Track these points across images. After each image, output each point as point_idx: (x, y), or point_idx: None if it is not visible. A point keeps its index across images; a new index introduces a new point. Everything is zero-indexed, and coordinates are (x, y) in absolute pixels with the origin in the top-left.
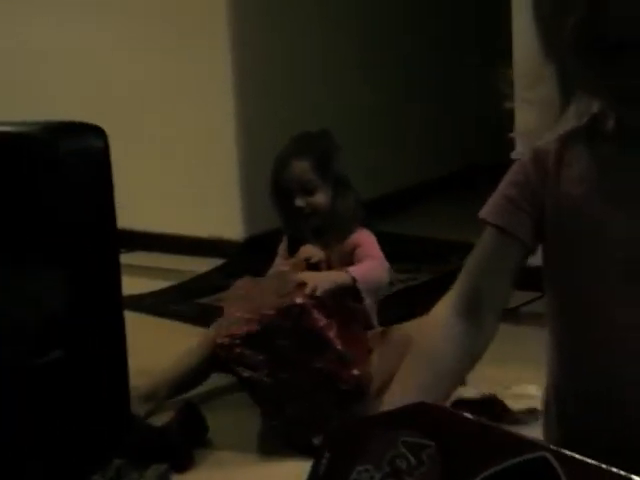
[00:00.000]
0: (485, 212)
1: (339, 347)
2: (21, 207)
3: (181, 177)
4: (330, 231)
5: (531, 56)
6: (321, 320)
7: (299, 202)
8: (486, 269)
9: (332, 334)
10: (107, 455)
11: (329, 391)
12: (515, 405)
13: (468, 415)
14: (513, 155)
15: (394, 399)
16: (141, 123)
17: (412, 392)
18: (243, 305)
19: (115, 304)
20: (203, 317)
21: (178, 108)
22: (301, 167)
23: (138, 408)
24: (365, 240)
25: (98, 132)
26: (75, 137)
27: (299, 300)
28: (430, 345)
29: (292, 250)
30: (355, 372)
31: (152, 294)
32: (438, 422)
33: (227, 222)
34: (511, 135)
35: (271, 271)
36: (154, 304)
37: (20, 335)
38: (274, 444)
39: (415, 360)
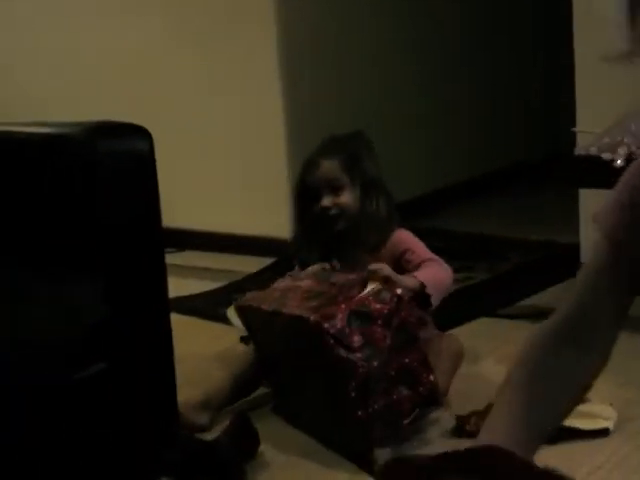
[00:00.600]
0: (601, 219)
1: (423, 349)
2: (58, 212)
3: (230, 175)
4: (358, 237)
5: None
6: (413, 316)
7: (326, 201)
8: (596, 286)
9: (420, 334)
10: (153, 473)
11: (409, 390)
12: (585, 425)
13: (533, 462)
14: (577, 151)
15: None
16: (189, 122)
17: (501, 437)
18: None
19: (161, 311)
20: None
21: (226, 106)
22: (329, 166)
23: (192, 419)
24: (412, 242)
25: (142, 133)
26: (116, 138)
27: (398, 291)
28: (530, 378)
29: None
30: (431, 377)
31: (201, 295)
32: (498, 468)
33: (276, 220)
34: (574, 130)
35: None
36: (203, 306)
37: (59, 348)
38: (331, 457)
39: (513, 396)
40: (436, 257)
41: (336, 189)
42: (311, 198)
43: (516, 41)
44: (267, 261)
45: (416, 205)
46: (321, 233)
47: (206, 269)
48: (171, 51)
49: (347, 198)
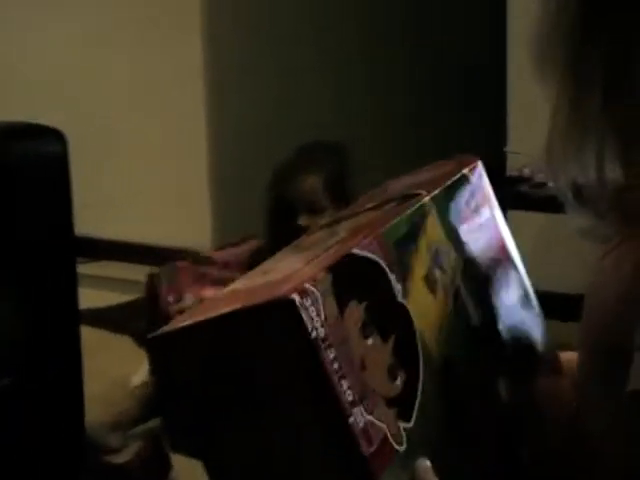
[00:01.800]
0: None
1: None
2: None
3: (150, 183)
4: None
5: None
6: None
7: (303, 220)
8: None
9: None
10: None
11: None
12: None
13: None
14: (508, 171)
15: None
16: (115, 128)
17: None
18: None
19: (71, 325)
20: None
21: (151, 113)
22: (311, 184)
23: (102, 440)
24: None
25: (57, 136)
26: (30, 140)
27: None
28: None
29: None
30: None
31: (113, 308)
32: None
33: (196, 231)
34: (506, 150)
35: None
36: (115, 319)
37: None
38: None
39: None
40: None
41: (315, 210)
42: (286, 214)
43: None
44: None
45: None
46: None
47: (122, 280)
48: (102, 56)
49: (326, 218)
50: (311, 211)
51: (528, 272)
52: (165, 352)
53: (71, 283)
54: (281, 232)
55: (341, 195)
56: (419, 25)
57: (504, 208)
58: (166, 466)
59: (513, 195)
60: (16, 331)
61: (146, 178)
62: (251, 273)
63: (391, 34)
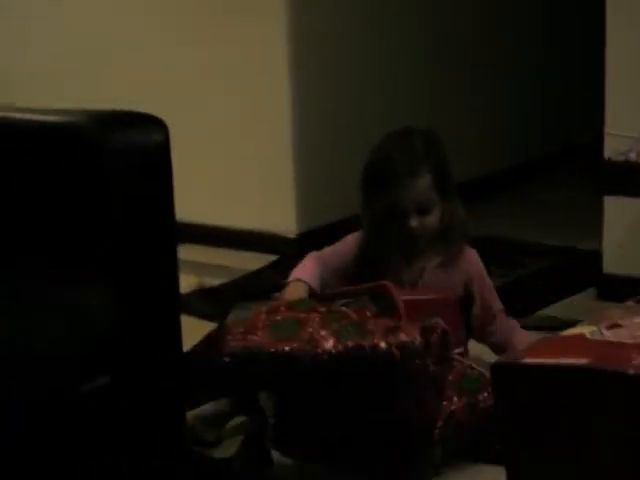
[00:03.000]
0: None
1: None
2: (63, 210)
3: (232, 166)
4: (433, 250)
5: None
6: None
7: (414, 222)
8: None
9: None
10: None
11: None
12: None
13: None
14: (613, 156)
15: None
16: (190, 108)
17: None
18: None
19: (172, 319)
20: None
21: (231, 94)
22: (421, 187)
23: (202, 435)
24: (482, 273)
25: (157, 124)
26: (130, 129)
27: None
28: None
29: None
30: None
31: (199, 293)
32: None
33: (279, 216)
34: (608, 132)
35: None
36: (201, 305)
37: (59, 359)
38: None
39: None
40: (501, 306)
41: (425, 209)
42: (397, 217)
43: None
44: (268, 258)
45: None
46: (396, 246)
47: (203, 264)
48: (170, 41)
49: (434, 218)
50: (421, 212)
51: (624, 259)
52: (510, 379)
53: (172, 279)
54: (390, 234)
55: (447, 190)
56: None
57: (600, 194)
58: (268, 463)
59: (618, 181)
60: (114, 326)
61: (227, 160)
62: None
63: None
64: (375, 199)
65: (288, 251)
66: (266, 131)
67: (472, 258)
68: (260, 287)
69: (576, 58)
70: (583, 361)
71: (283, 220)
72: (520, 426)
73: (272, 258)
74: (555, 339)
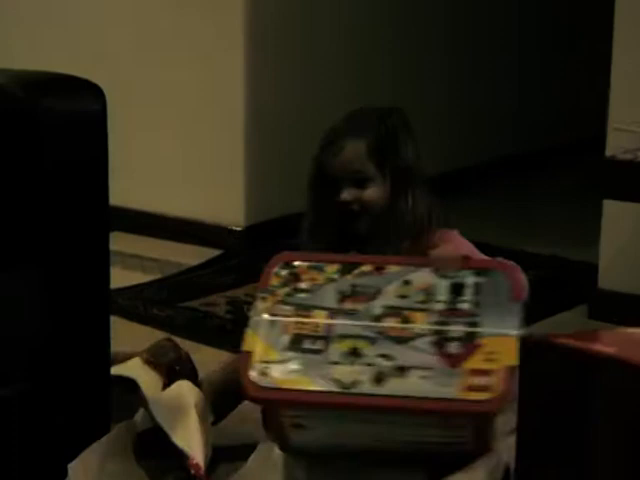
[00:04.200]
0: None
1: None
2: None
3: (178, 150)
4: (383, 242)
5: None
6: None
7: (346, 194)
8: None
9: None
10: None
11: None
12: None
13: None
14: (618, 154)
15: None
16: (131, 83)
17: None
18: None
19: (102, 319)
20: (192, 327)
21: (179, 71)
22: (353, 151)
23: None
24: (463, 245)
25: (94, 91)
26: (64, 96)
27: None
28: None
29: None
30: None
31: (129, 290)
32: None
33: (225, 206)
34: (617, 127)
35: None
36: (130, 305)
37: None
38: None
39: None
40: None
41: (360, 181)
42: (328, 185)
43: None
44: (211, 253)
45: None
46: (336, 229)
47: (136, 256)
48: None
49: (373, 193)
50: (355, 182)
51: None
52: (538, 355)
53: (103, 262)
54: (323, 208)
55: (390, 163)
56: None
57: (601, 197)
58: None
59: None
60: (37, 325)
61: (173, 143)
62: None
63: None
64: (311, 166)
65: (233, 245)
66: (217, 113)
67: (448, 237)
68: (197, 286)
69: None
70: (610, 350)
71: (230, 211)
72: (540, 405)
73: (215, 252)
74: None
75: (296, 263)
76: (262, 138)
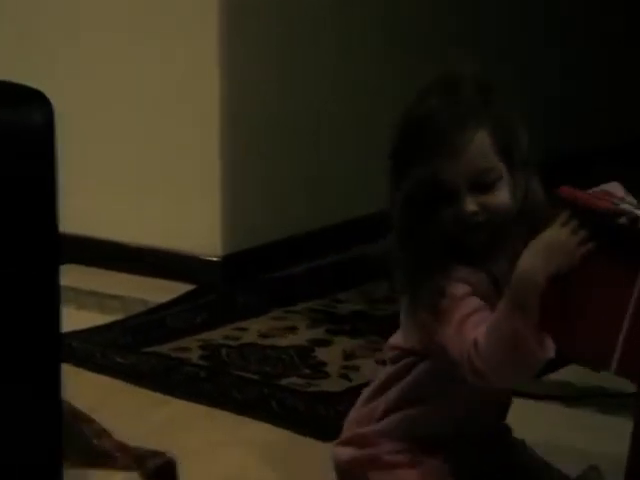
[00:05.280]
0: None
1: None
2: None
3: (143, 168)
4: (508, 247)
5: None
6: None
7: (470, 205)
8: None
9: None
10: None
11: None
12: None
13: None
14: None
15: None
16: (86, 90)
17: None
18: None
19: (52, 368)
20: (162, 376)
21: (142, 72)
22: (478, 144)
23: None
24: None
25: (39, 99)
26: (3, 105)
27: None
28: None
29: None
30: None
31: (85, 333)
32: None
33: (200, 233)
34: None
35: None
36: (86, 351)
37: None
38: None
39: None
40: None
41: (485, 185)
42: (441, 198)
43: None
44: (183, 288)
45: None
46: (446, 246)
47: (94, 293)
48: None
49: (503, 197)
50: (479, 188)
51: None
52: None
53: (53, 300)
54: (436, 230)
55: (517, 156)
56: None
57: None
58: None
59: None
60: None
61: (137, 159)
62: None
63: None
64: (408, 176)
65: (209, 279)
66: (188, 122)
67: None
68: (166, 327)
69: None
70: None
71: (204, 238)
72: None
73: (188, 287)
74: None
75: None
76: (242, 152)
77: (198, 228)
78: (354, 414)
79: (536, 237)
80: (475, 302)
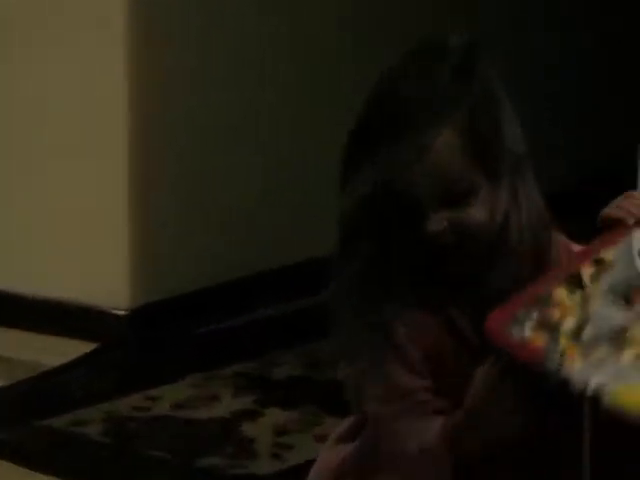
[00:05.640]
0: None
1: None
2: None
3: (37, 209)
4: (490, 277)
5: None
6: None
7: (435, 223)
8: None
9: None
10: None
11: None
12: None
13: None
14: None
15: None
16: None
17: None
18: None
19: None
20: (55, 456)
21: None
22: (444, 149)
23: None
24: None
25: None
26: None
27: None
28: None
29: None
30: None
31: None
32: None
33: (104, 282)
34: None
35: None
36: None
37: None
38: None
39: None
40: None
41: (457, 197)
42: (402, 215)
43: None
44: (84, 348)
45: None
46: (409, 277)
47: None
48: None
49: (479, 213)
50: (449, 202)
51: None
52: None
53: None
54: (392, 255)
55: (499, 157)
56: None
57: None
58: None
59: None
60: None
61: (31, 200)
62: None
63: None
64: (358, 179)
65: (114, 336)
66: (91, 152)
67: (568, 247)
68: (62, 395)
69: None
70: None
71: (110, 288)
72: None
73: (90, 346)
74: None
75: (520, 313)
76: (152, 185)
77: (101, 275)
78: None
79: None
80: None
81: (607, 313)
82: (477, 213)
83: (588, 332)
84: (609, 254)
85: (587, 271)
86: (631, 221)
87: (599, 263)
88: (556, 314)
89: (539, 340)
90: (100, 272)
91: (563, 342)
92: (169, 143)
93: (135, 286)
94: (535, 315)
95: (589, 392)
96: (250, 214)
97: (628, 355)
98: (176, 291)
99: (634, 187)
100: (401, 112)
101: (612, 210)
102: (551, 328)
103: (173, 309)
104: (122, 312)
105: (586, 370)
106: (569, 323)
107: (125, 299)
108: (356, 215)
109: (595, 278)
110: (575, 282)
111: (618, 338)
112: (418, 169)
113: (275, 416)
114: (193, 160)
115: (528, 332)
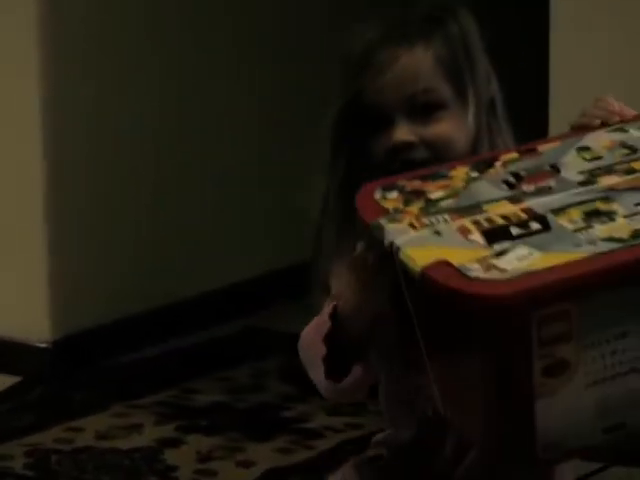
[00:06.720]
0: None
1: None
2: None
3: None
4: None
5: None
6: None
7: (400, 133)
8: None
9: None
10: None
11: None
12: None
13: None
14: None
15: None
16: None
17: None
18: None
19: None
20: None
21: None
22: (415, 59)
23: None
24: None
25: None
26: None
27: None
28: None
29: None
30: None
31: None
32: None
33: (23, 313)
34: None
35: None
36: None
37: None
38: None
39: None
40: None
41: (425, 109)
42: (369, 124)
43: None
44: (3, 382)
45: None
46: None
47: None
48: None
49: (448, 126)
50: (417, 113)
51: None
52: None
53: None
54: (359, 165)
55: (471, 79)
56: None
57: None
58: None
59: None
60: None
61: None
62: None
63: None
64: (340, 107)
65: (35, 369)
66: (6, 177)
67: None
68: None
69: None
70: None
71: (30, 319)
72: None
73: (10, 380)
74: None
75: (400, 183)
76: (71, 217)
77: (20, 306)
78: None
79: None
80: None
81: (481, 190)
82: (446, 127)
83: (447, 203)
84: (546, 147)
85: (507, 157)
86: (597, 123)
87: (527, 152)
88: (432, 187)
89: (391, 204)
90: (19, 304)
91: (411, 209)
92: (84, 179)
93: (55, 318)
94: (407, 186)
95: (393, 250)
96: (164, 245)
97: (456, 224)
98: (97, 322)
99: None
100: (377, 37)
101: (578, 118)
102: (416, 196)
103: (94, 340)
104: (43, 345)
105: (398, 232)
106: (437, 194)
107: (45, 332)
108: (334, 132)
109: (509, 163)
110: (484, 164)
111: (470, 210)
112: (387, 77)
113: (197, 443)
114: (105, 194)
115: (390, 198)
